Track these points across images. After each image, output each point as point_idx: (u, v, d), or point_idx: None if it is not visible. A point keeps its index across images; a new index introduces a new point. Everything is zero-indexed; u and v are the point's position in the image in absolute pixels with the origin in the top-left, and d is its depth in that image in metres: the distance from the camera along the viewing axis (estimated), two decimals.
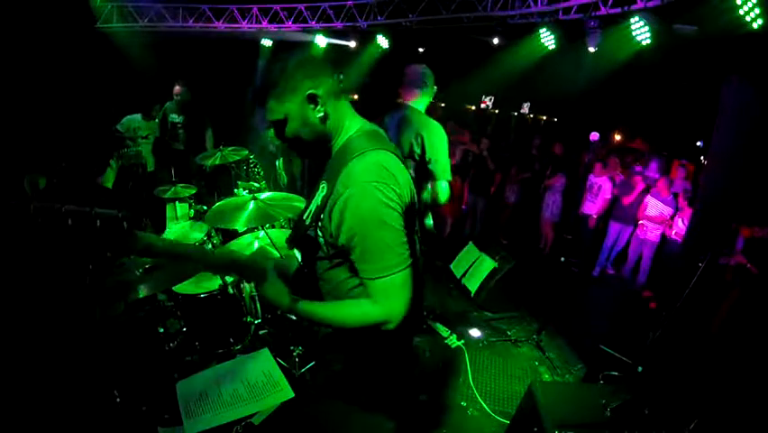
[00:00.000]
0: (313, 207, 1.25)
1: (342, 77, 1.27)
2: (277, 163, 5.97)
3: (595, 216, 5.52)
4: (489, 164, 5.82)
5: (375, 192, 1.12)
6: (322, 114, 1.22)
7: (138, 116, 5.03)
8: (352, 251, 1.17)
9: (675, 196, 4.99)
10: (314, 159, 1.45)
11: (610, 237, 5.43)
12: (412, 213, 1.25)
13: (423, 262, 1.45)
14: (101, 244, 1.29)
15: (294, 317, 2.37)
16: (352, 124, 1.29)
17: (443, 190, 2.61)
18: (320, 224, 1.23)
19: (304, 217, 1.29)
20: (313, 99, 1.20)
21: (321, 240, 1.24)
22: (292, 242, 1.39)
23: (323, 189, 1.23)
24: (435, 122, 2.61)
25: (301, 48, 1.26)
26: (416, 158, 2.58)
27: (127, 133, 4.89)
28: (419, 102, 2.67)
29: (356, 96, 11.89)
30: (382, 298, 1.16)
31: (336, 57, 9.05)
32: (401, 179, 1.20)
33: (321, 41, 7.73)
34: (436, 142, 2.54)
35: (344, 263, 1.25)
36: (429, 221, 2.91)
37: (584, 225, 5.66)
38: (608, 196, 5.44)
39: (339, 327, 1.27)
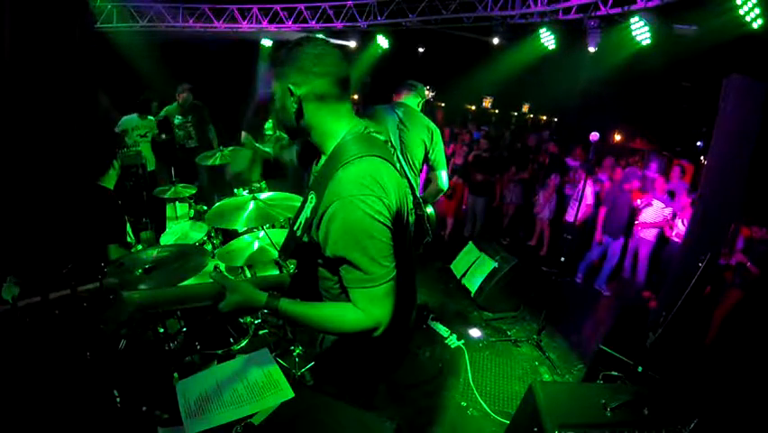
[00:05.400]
0: (303, 218, 1.25)
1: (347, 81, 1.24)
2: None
3: (577, 224, 4.99)
4: (489, 165, 5.82)
5: (361, 205, 1.10)
6: (296, 108, 1.22)
7: (134, 116, 5.01)
8: (338, 262, 1.18)
9: (671, 194, 4.81)
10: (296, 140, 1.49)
11: (595, 250, 5.07)
12: (404, 219, 1.24)
13: (416, 253, 1.49)
14: (92, 323, 1.25)
15: (277, 320, 2.38)
16: (339, 128, 1.24)
17: (444, 178, 2.89)
18: (311, 233, 1.23)
19: (294, 228, 1.29)
20: (291, 93, 1.20)
21: (314, 243, 1.24)
22: (286, 253, 1.38)
23: (311, 200, 1.22)
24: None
25: (313, 41, 1.26)
26: (426, 150, 2.81)
27: (126, 135, 4.86)
28: (410, 100, 2.92)
29: (356, 96, 11.91)
30: (365, 306, 1.17)
31: None
32: (390, 187, 1.18)
33: None
34: (437, 134, 2.84)
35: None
36: (429, 210, 2.98)
37: (570, 231, 5.31)
38: (590, 201, 5.08)
39: (321, 329, 1.30)
